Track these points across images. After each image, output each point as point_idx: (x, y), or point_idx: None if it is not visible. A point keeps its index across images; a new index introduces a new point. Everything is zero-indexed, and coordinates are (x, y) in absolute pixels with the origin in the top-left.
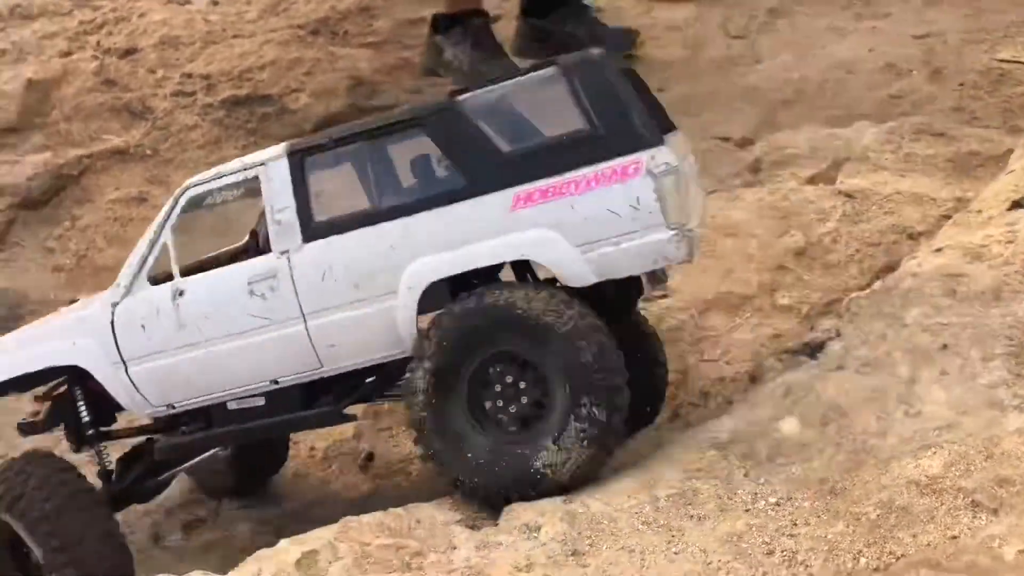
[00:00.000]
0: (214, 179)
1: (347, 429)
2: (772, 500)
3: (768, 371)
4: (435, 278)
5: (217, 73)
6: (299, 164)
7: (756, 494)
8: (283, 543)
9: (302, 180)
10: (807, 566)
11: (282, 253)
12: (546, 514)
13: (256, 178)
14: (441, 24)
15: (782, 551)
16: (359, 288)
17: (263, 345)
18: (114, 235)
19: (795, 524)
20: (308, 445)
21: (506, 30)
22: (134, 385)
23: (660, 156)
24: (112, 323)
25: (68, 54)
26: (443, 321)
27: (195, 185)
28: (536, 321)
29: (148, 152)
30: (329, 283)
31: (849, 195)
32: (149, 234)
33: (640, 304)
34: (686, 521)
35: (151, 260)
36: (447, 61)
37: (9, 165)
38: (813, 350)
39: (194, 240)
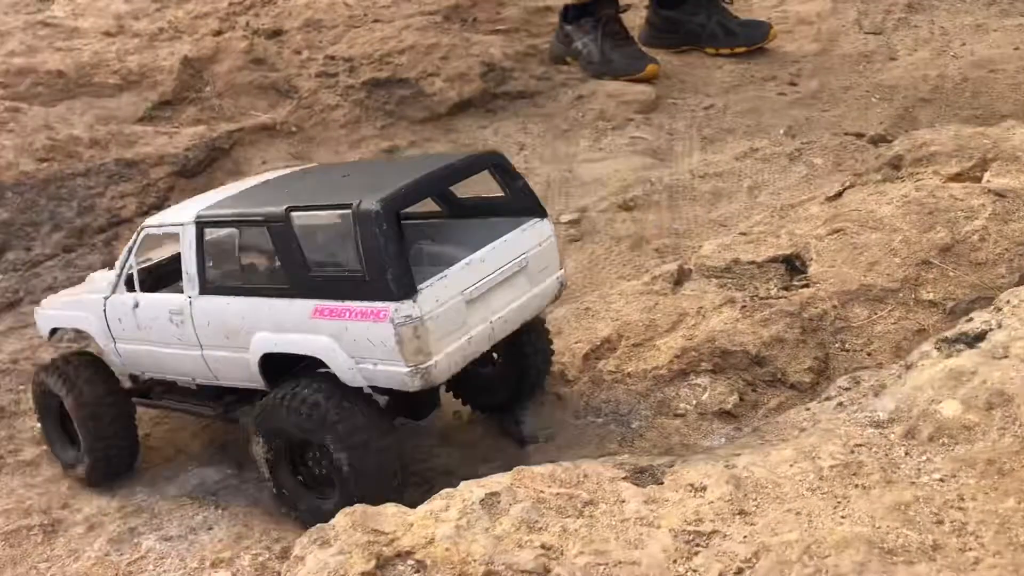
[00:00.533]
0: (159, 226)
1: None
2: (936, 476)
3: (924, 357)
4: (268, 351)
5: (359, 56)
6: (200, 231)
7: (920, 470)
8: (464, 484)
9: (201, 246)
10: (978, 536)
11: (188, 297)
12: (711, 476)
13: (180, 239)
14: (571, 13)
15: (951, 521)
16: (228, 338)
17: (181, 357)
18: None
19: (962, 499)
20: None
21: (635, 20)
22: (119, 355)
23: (402, 309)
24: (104, 311)
25: (219, 33)
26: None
27: (148, 227)
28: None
29: (293, 129)
30: (212, 328)
31: (999, 194)
32: (124, 255)
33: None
34: (851, 489)
35: (124, 275)
36: (577, 50)
37: (168, 136)
38: (973, 339)
39: None
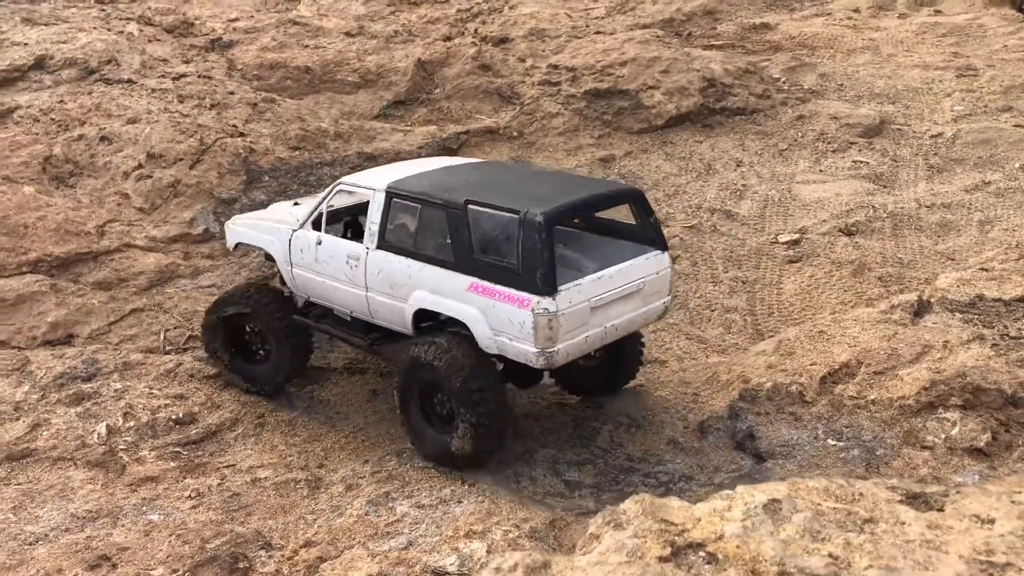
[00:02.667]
0: (354, 185)
1: None
2: None
3: None
4: (422, 306)
5: (581, 66)
6: (389, 200)
7: None
8: (743, 488)
9: (388, 210)
10: None
11: (366, 248)
12: (998, 510)
13: (371, 199)
14: None
15: None
16: (392, 288)
17: (347, 292)
18: None
19: None
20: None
21: None
22: (294, 279)
23: (543, 303)
24: (289, 241)
25: (449, 39)
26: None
27: (344, 184)
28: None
29: (514, 134)
30: (380, 277)
31: None
32: (316, 202)
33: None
34: None
35: (312, 216)
36: None
37: (403, 133)
38: None
39: None
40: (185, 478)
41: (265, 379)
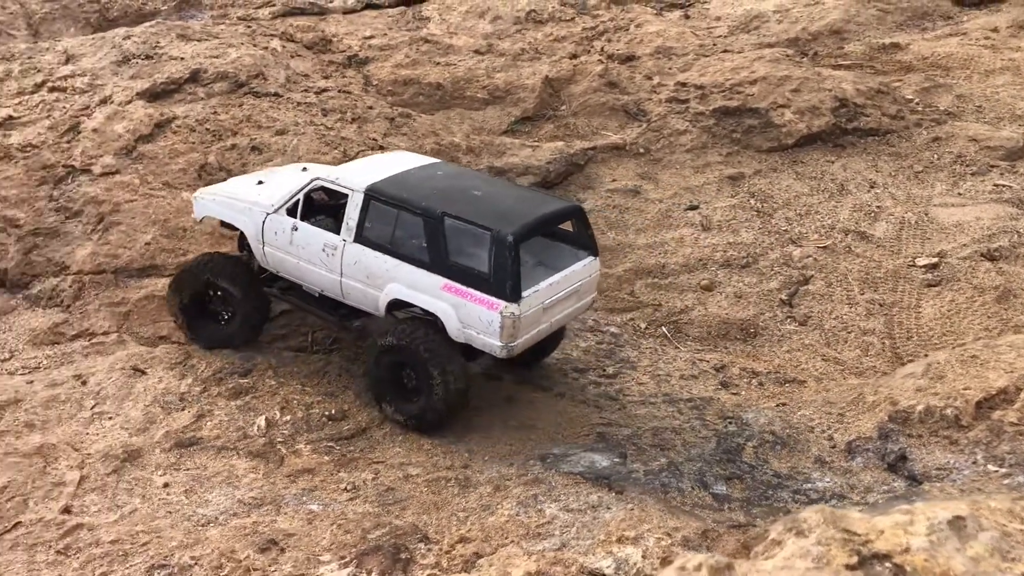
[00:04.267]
0: (329, 182)
1: None
2: None
3: None
4: (397, 297)
5: (709, 84)
6: (367, 201)
7: None
8: (924, 503)
9: (366, 209)
10: None
11: (343, 240)
12: None
13: (347, 195)
14: None
15: None
16: (367, 277)
17: (321, 275)
18: (614, 220)
19: None
20: None
21: None
22: (265, 256)
23: (509, 308)
24: (263, 223)
25: (575, 56)
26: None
27: (322, 181)
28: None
29: (641, 150)
30: (356, 267)
31: None
32: (293, 190)
33: None
34: None
35: (288, 204)
36: None
37: (531, 149)
38: None
39: None
40: (339, 471)
41: (229, 338)
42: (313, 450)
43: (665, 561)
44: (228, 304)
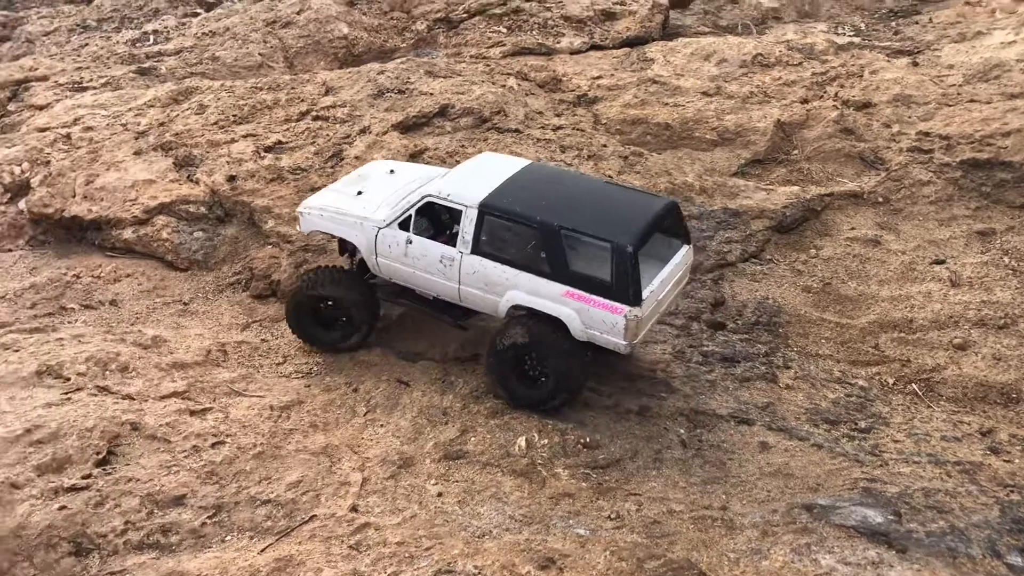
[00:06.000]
0: (441, 199)
1: None
2: None
3: None
4: (519, 303)
5: (956, 135)
6: (481, 216)
7: None
8: None
9: (481, 225)
10: None
11: (460, 252)
12: None
13: (461, 211)
14: None
15: None
16: (486, 285)
17: (438, 283)
18: (854, 270)
19: None
20: None
21: None
22: (378, 266)
23: (633, 311)
24: (376, 236)
25: (807, 101)
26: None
27: (431, 196)
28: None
29: (879, 199)
30: (475, 276)
31: None
32: (405, 206)
33: None
34: None
35: (400, 219)
36: None
37: (765, 192)
38: None
39: None
40: (598, 499)
41: (346, 341)
42: (571, 475)
43: None
44: (341, 311)
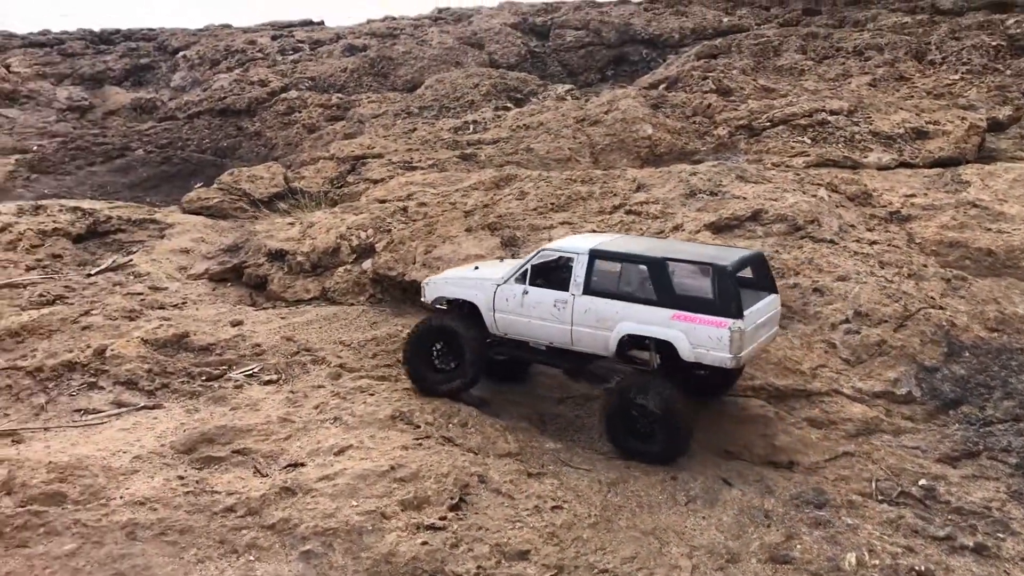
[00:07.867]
0: (554, 251)
1: None
2: None
3: None
4: (629, 332)
5: None
6: (592, 259)
7: None
8: None
9: (591, 267)
10: None
11: (572, 294)
12: None
13: (571, 258)
14: None
15: None
16: (598, 322)
17: (552, 328)
18: None
19: None
20: None
21: None
22: (495, 322)
23: (735, 324)
24: (494, 293)
25: None
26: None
27: (547, 249)
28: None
29: None
30: (587, 315)
31: None
32: (520, 264)
33: None
34: None
35: (517, 275)
36: None
37: None
38: None
39: None
40: None
41: (449, 386)
42: None
43: None
44: (453, 354)
